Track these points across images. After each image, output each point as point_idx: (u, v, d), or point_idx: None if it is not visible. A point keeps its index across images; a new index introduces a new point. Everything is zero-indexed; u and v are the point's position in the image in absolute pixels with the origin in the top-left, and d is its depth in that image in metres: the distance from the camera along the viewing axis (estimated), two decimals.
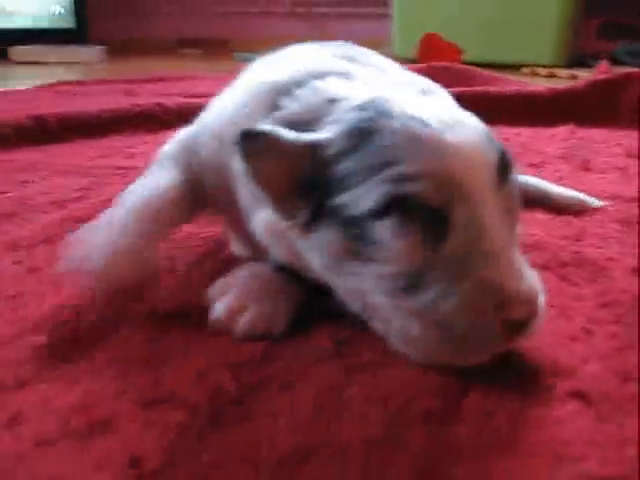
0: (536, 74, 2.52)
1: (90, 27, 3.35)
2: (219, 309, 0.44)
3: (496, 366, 0.38)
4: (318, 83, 0.45)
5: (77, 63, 3.01)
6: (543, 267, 0.54)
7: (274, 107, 0.45)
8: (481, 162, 0.37)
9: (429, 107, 0.39)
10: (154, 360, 0.41)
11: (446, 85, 1.61)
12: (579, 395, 0.36)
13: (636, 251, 0.59)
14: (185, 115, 0.63)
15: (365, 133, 0.38)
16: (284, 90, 0.45)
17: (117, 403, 0.36)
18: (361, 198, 0.37)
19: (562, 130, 1.16)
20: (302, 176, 0.39)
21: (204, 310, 0.45)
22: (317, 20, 3.64)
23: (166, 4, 3.66)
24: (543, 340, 0.41)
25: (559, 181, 0.81)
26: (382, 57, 0.57)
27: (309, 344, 0.42)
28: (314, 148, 0.39)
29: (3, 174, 0.86)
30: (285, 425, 0.34)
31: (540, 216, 0.69)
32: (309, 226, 0.40)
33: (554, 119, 1.25)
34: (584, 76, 2.26)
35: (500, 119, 1.23)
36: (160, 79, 1.99)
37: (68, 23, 3.27)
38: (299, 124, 0.42)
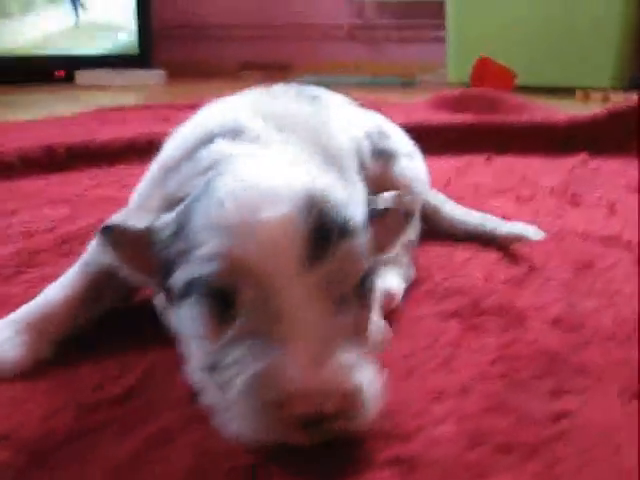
0: (589, 98, 2.45)
1: (154, 51, 3.46)
2: None
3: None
4: (201, 152, 0.46)
5: (139, 86, 3.11)
6: (453, 314, 0.53)
7: (164, 186, 0.47)
8: (283, 241, 0.34)
9: (254, 178, 0.38)
10: None
11: (476, 111, 1.60)
12: (399, 462, 0.35)
13: (573, 298, 0.56)
14: None
15: (187, 214, 0.39)
16: (173, 166, 0.48)
17: None
18: (177, 279, 0.38)
19: (573, 161, 1.12)
20: (150, 258, 0.41)
21: None
22: (376, 44, 3.65)
23: (228, 29, 3.75)
24: (399, 400, 0.40)
25: (535, 216, 0.79)
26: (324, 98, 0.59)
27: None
28: (152, 233, 0.41)
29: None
30: None
31: (493, 255, 0.67)
32: (170, 300, 0.40)
33: (570, 149, 1.21)
34: None
35: (512, 149, 1.21)
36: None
37: (133, 49, 3.38)
38: (175, 202, 0.42)
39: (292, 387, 0.32)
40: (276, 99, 0.58)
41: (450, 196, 0.91)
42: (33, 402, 0.42)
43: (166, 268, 0.39)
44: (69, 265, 0.54)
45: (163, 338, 0.48)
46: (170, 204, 0.43)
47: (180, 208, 0.40)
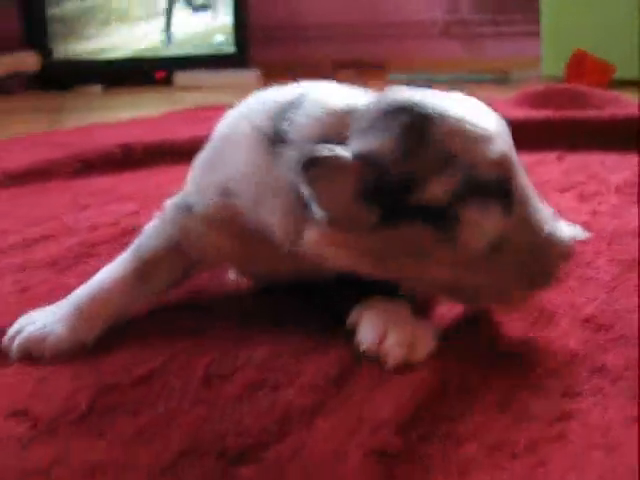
0: None
1: (250, 51, 3.54)
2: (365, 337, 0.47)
3: None
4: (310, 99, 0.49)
5: (235, 85, 3.20)
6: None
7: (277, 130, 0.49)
8: (507, 141, 0.45)
9: (459, 105, 0.45)
10: None
11: (557, 107, 1.55)
12: None
13: (610, 298, 0.55)
14: None
15: (415, 136, 0.43)
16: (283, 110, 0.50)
17: None
18: (439, 190, 0.42)
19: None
20: (365, 187, 0.42)
21: None
22: (471, 40, 3.59)
23: (323, 28, 3.78)
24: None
25: (593, 214, 0.77)
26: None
27: None
28: (371, 159, 0.42)
29: (68, 200, 0.95)
30: None
31: None
32: (381, 227, 0.43)
33: None
34: None
35: (586, 145, 1.17)
36: None
37: (229, 49, 3.47)
38: (322, 140, 0.45)
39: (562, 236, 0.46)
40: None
41: None
42: (57, 382, 0.45)
43: (398, 189, 0.42)
44: None
45: (191, 328, 0.51)
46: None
47: (397, 134, 0.43)
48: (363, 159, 0.42)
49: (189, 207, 0.54)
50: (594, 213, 0.78)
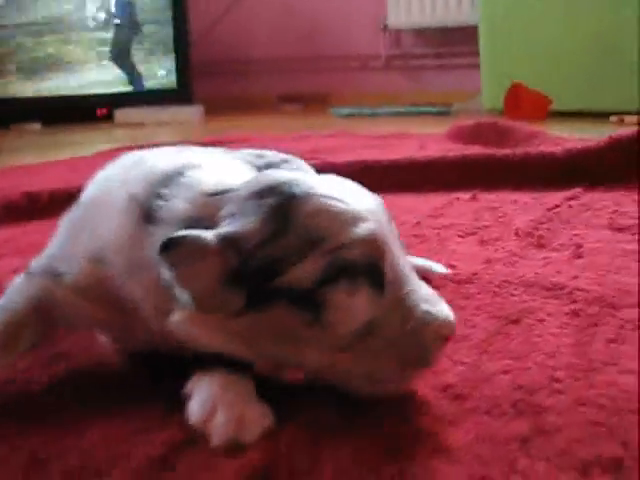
0: (623, 122, 2.35)
1: (192, 86, 3.51)
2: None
3: None
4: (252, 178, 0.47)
5: (177, 122, 3.17)
6: None
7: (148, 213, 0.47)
8: (379, 220, 0.44)
9: (329, 184, 0.45)
10: None
11: (485, 142, 1.56)
12: None
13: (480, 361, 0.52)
14: None
15: (283, 217, 0.42)
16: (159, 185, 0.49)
17: None
18: (305, 273, 0.41)
19: (562, 196, 1.06)
20: (229, 270, 0.42)
21: None
22: (414, 73, 3.62)
23: (266, 62, 3.79)
24: None
25: (489, 262, 0.75)
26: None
27: None
28: (235, 242, 0.42)
29: None
30: None
31: None
32: (248, 310, 0.42)
33: (567, 182, 1.15)
34: None
35: (503, 184, 1.16)
36: (220, 141, 2.05)
37: (171, 84, 3.44)
38: (192, 222, 0.44)
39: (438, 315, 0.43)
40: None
41: (415, 236, 0.88)
42: None
43: (262, 273, 0.41)
44: None
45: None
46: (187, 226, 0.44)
47: (262, 216, 0.42)
48: (226, 242, 0.42)
49: (56, 273, 0.51)
50: (488, 261, 0.76)
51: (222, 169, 0.50)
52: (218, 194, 0.46)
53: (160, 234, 0.44)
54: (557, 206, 1.00)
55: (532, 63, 2.76)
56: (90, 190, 0.55)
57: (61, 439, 0.44)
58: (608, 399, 0.45)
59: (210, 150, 0.58)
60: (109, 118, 3.28)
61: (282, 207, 0.42)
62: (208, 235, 0.42)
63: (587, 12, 2.61)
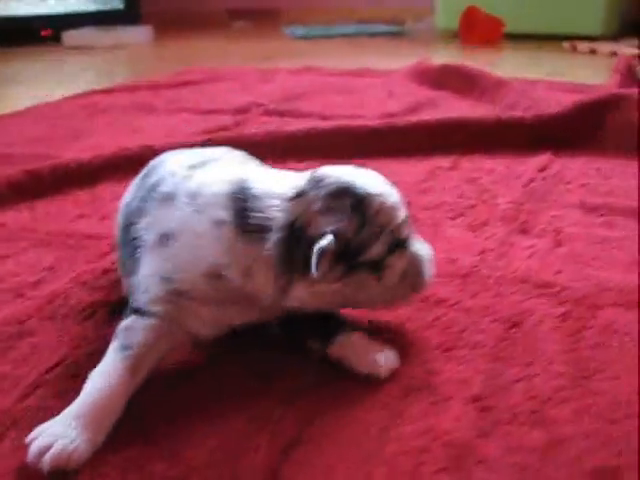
0: (576, 50, 2.44)
1: (140, 6, 3.42)
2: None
3: None
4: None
5: (127, 46, 3.10)
6: None
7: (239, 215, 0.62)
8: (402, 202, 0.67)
9: (373, 182, 0.64)
10: None
11: (455, 88, 1.63)
12: None
13: (495, 371, 0.63)
14: None
15: (361, 214, 0.62)
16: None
17: None
18: (378, 250, 0.63)
19: (536, 163, 1.17)
20: (335, 253, 0.60)
21: None
22: None
23: None
24: None
25: (483, 253, 0.85)
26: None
27: None
28: (337, 235, 0.60)
29: None
30: None
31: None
32: (341, 277, 0.62)
33: (536, 147, 1.25)
34: (627, 52, 2.18)
35: (479, 149, 1.25)
36: (186, 83, 2.06)
37: (117, 4, 3.35)
38: (291, 224, 0.61)
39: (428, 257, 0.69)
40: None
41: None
42: None
43: (354, 252, 0.61)
44: None
45: None
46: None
47: (347, 215, 0.61)
48: (335, 237, 0.60)
49: (178, 292, 0.63)
50: (483, 252, 0.87)
51: (263, 176, 0.65)
52: (295, 198, 0.62)
53: (271, 241, 0.61)
54: (532, 180, 1.10)
55: None
56: (163, 227, 0.65)
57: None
58: (600, 408, 0.58)
59: (209, 152, 0.76)
60: (55, 39, 3.18)
61: (358, 206, 0.62)
62: (331, 240, 0.60)
63: None
